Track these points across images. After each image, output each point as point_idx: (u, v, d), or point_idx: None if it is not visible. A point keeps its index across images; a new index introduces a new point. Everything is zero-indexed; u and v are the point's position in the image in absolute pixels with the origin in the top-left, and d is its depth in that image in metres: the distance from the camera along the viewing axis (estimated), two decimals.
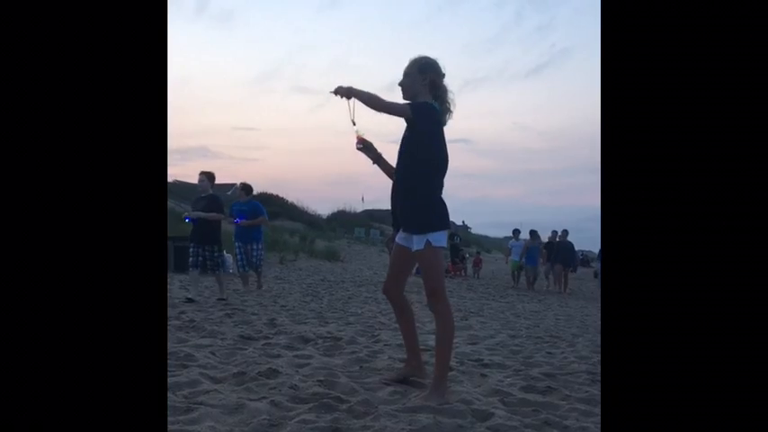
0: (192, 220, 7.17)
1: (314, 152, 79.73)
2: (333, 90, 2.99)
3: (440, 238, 2.97)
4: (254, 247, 8.75)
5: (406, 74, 3.07)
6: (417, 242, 2.97)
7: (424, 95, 3.02)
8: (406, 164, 3.02)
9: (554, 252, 14.43)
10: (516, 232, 15.67)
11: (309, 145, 75.84)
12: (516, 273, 14.86)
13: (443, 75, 3.07)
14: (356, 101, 2.97)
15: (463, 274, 17.78)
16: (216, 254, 7.18)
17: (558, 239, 14.77)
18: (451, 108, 3.07)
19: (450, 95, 3.07)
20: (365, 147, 3.28)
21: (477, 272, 18.24)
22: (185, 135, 75.47)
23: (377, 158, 3.33)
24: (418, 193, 2.98)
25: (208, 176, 7.25)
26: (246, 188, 8.90)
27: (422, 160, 2.97)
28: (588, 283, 17.93)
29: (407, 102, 3.02)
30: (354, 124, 3.08)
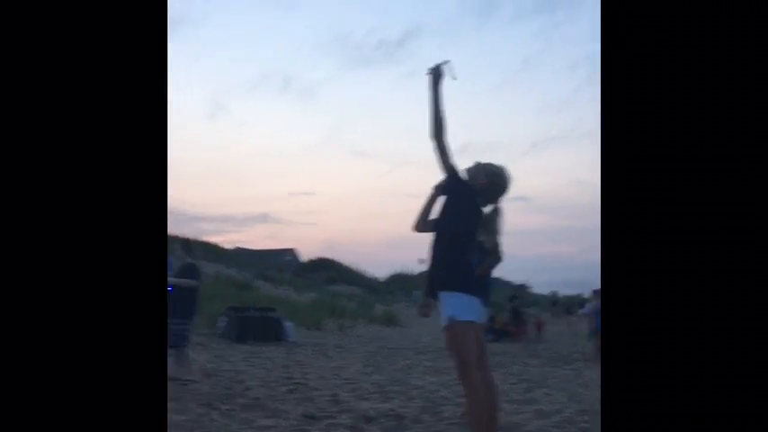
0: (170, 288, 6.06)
1: (370, 215, 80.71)
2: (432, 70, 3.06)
3: (463, 310, 2.96)
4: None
5: (480, 165, 3.22)
6: (443, 317, 3.00)
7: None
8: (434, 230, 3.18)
9: None
10: (598, 294, 12.47)
11: (366, 208, 77.11)
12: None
13: (499, 194, 3.19)
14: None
15: (525, 337, 17.36)
16: (180, 326, 6.04)
17: None
18: (497, 229, 3.14)
19: (500, 219, 3.15)
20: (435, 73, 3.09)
21: (540, 335, 17.77)
22: (249, 203, 78.27)
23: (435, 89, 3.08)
24: (437, 255, 3.12)
25: (182, 245, 6.62)
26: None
27: (442, 225, 3.14)
28: None
29: (455, 167, 3.10)
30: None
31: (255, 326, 12.16)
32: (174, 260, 6.75)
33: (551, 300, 20.05)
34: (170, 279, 5.95)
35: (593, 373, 9.28)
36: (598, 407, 5.36)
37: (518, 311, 17.67)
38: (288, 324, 13.17)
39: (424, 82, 3.08)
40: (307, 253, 41.00)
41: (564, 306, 20.18)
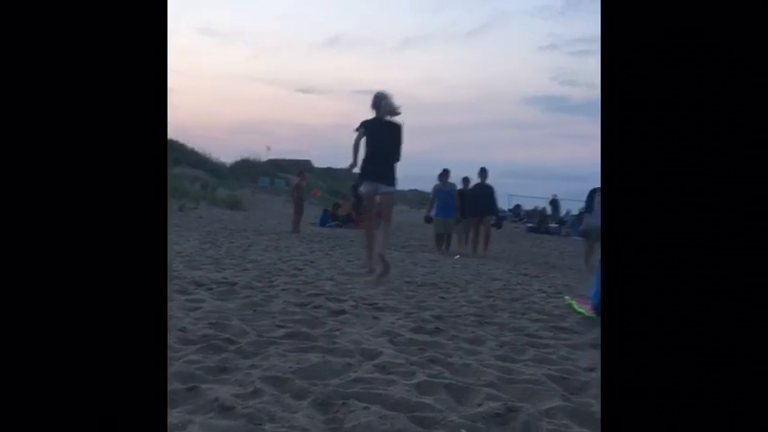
0: None
1: (221, 100, 76.90)
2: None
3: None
4: None
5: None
6: (387, 189, 6.20)
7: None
8: None
9: (466, 201, 11.05)
10: (445, 173, 11.32)
11: (217, 92, 73.07)
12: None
13: (378, 104, 5.90)
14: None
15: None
16: None
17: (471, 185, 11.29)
18: (383, 112, 5.93)
19: (383, 104, 5.89)
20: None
21: (380, 223, 18.45)
22: None
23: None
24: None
25: None
26: None
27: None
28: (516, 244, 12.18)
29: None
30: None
31: None
32: None
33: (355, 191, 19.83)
34: None
35: (427, 255, 9.88)
36: (423, 280, 5.74)
37: (361, 201, 18.13)
38: None
39: None
40: None
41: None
